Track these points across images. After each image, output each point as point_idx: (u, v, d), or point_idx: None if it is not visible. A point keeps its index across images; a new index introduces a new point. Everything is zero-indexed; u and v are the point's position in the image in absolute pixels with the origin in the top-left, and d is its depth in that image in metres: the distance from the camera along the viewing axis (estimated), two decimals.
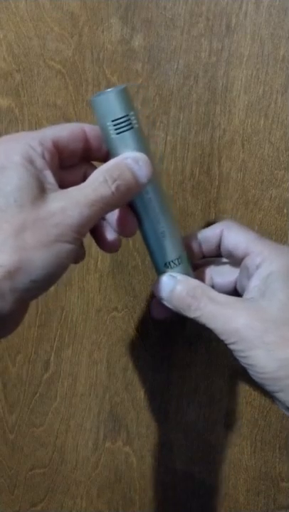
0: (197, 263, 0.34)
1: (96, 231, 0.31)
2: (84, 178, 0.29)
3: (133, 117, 0.27)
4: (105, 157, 0.29)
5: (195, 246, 0.33)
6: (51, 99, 0.40)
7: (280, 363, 0.26)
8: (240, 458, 0.42)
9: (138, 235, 0.40)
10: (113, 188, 0.25)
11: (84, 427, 0.45)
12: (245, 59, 0.36)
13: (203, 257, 0.34)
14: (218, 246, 0.32)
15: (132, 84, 0.28)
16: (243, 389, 0.41)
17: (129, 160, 0.27)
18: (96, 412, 0.45)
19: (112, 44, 0.38)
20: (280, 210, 0.38)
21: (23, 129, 0.41)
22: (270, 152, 0.37)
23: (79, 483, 0.47)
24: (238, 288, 0.32)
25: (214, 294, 0.29)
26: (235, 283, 0.33)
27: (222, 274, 0.33)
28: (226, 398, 0.41)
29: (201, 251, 0.33)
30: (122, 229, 0.30)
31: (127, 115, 0.27)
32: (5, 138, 0.26)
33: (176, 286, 0.30)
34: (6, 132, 0.41)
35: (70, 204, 0.24)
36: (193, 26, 0.36)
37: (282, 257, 0.28)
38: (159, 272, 0.31)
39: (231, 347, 0.27)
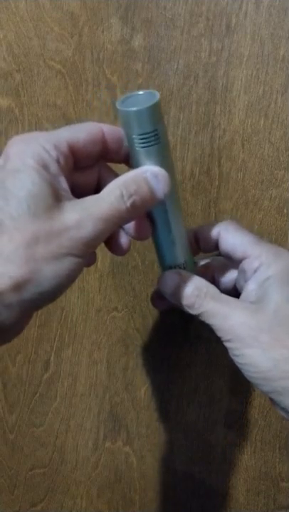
0: (200, 259, 0.34)
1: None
2: (98, 180, 0.29)
3: (161, 132, 0.26)
4: (123, 160, 0.29)
5: (192, 242, 0.33)
6: (51, 99, 0.40)
7: (273, 362, 0.26)
8: (240, 458, 0.42)
9: None
10: (128, 203, 0.25)
11: (84, 427, 0.45)
12: (245, 59, 0.36)
13: (200, 252, 0.34)
14: (216, 245, 0.32)
15: (156, 94, 0.26)
16: (243, 389, 0.41)
17: (148, 174, 0.26)
18: (96, 412, 0.45)
19: (112, 44, 0.38)
20: (280, 210, 0.38)
21: (23, 129, 0.41)
22: (270, 152, 0.37)
23: (79, 483, 0.47)
24: (238, 287, 0.32)
25: (216, 292, 0.29)
26: (235, 282, 0.33)
27: (223, 271, 0.33)
28: (226, 398, 0.41)
29: (198, 248, 0.33)
30: (138, 234, 0.30)
31: (155, 130, 0.26)
32: (18, 139, 0.25)
33: (180, 284, 0.30)
34: (6, 132, 0.41)
35: (85, 218, 0.23)
36: (193, 26, 0.36)
37: (279, 260, 0.29)
38: (164, 269, 0.32)
39: (227, 344, 0.28)
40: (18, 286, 0.22)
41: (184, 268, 0.31)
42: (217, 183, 0.38)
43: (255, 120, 0.37)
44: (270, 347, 0.26)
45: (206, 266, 0.34)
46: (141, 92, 0.27)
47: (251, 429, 0.41)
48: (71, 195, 0.25)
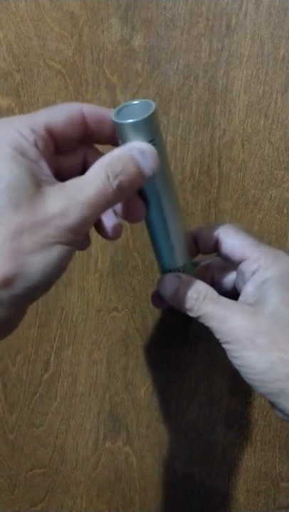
0: (200, 260, 0.34)
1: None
2: (83, 163, 0.28)
3: (158, 143, 0.25)
4: (108, 141, 0.27)
5: (191, 244, 0.33)
6: (51, 99, 0.40)
7: (269, 365, 0.26)
8: (240, 458, 0.42)
9: (140, 234, 0.40)
10: (114, 185, 0.24)
11: (84, 427, 0.45)
12: (245, 59, 0.36)
13: (199, 253, 0.34)
14: (215, 247, 0.32)
15: (152, 103, 0.25)
16: (243, 389, 0.41)
17: (134, 151, 0.25)
18: (96, 412, 0.45)
19: (112, 44, 0.38)
20: (280, 210, 0.38)
21: None
22: (270, 152, 0.37)
23: (79, 483, 0.47)
24: (237, 288, 0.32)
25: (215, 295, 0.29)
26: (234, 283, 0.33)
27: (223, 272, 0.33)
28: (226, 398, 0.41)
29: (197, 249, 0.33)
30: (129, 215, 0.28)
31: (152, 140, 0.25)
32: None
33: (180, 287, 0.30)
34: None
35: (71, 204, 0.22)
36: (193, 26, 0.36)
37: (277, 263, 0.29)
38: (164, 272, 0.32)
39: (225, 346, 0.28)
40: (6, 282, 0.21)
41: (183, 271, 0.31)
42: (217, 183, 0.38)
43: (255, 120, 0.37)
44: (267, 349, 0.26)
45: (205, 267, 0.34)
46: (136, 102, 0.26)
47: (251, 429, 0.41)
48: (54, 180, 0.24)
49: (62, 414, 0.45)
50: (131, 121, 0.25)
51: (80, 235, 0.23)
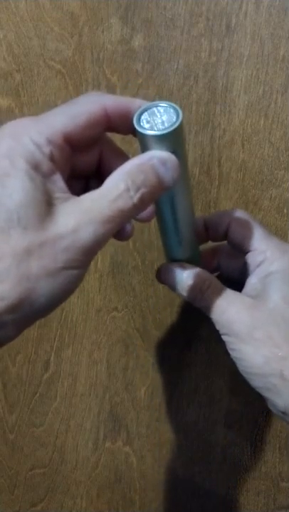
0: (206, 246, 0.34)
1: None
2: (99, 159, 0.26)
3: (179, 154, 0.24)
4: (129, 132, 0.25)
5: (201, 230, 0.33)
6: (51, 99, 0.40)
7: (264, 359, 0.26)
8: (240, 458, 0.42)
9: (140, 234, 0.40)
10: (136, 198, 0.22)
11: (84, 427, 0.45)
12: (245, 59, 0.36)
13: (208, 240, 0.34)
14: (225, 234, 0.31)
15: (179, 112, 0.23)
16: (243, 389, 0.41)
17: (155, 160, 0.23)
18: (96, 412, 0.45)
19: (112, 44, 0.38)
20: (280, 210, 0.38)
21: None
22: (270, 152, 0.37)
23: (79, 483, 0.47)
24: (243, 278, 0.32)
25: (218, 286, 0.29)
26: (240, 270, 0.33)
27: (229, 259, 0.33)
28: (226, 398, 0.41)
29: (207, 235, 0.33)
30: (142, 216, 0.27)
31: (173, 152, 0.23)
32: (6, 132, 0.22)
33: (184, 277, 0.30)
34: None
35: (83, 222, 0.20)
36: (193, 26, 0.36)
37: (283, 258, 0.29)
38: (170, 260, 0.32)
39: (224, 338, 0.28)
40: (12, 308, 0.20)
41: (189, 261, 0.31)
42: (217, 183, 0.38)
43: (255, 120, 0.37)
44: (263, 344, 0.26)
45: (212, 251, 0.34)
46: (162, 105, 0.24)
47: (251, 429, 0.41)
48: (68, 194, 0.22)
49: (62, 414, 0.45)
50: (154, 133, 0.23)
51: (91, 256, 0.21)
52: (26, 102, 0.40)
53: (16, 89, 0.40)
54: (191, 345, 0.41)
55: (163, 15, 0.37)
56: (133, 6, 0.37)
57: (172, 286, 0.31)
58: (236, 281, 0.30)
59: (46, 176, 0.21)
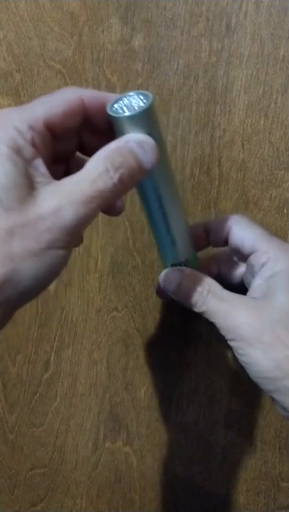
0: (205, 253, 0.34)
1: None
2: (80, 147, 0.27)
3: (156, 137, 0.24)
4: (104, 122, 0.26)
5: (201, 235, 0.32)
6: None
7: (275, 362, 0.26)
8: (240, 458, 0.42)
9: (140, 234, 0.40)
10: (115, 178, 0.22)
11: (84, 427, 0.45)
12: (245, 59, 0.36)
13: (209, 246, 0.33)
14: (226, 239, 0.31)
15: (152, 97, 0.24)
16: (243, 389, 0.41)
17: (132, 143, 0.23)
18: (96, 412, 0.45)
19: (112, 44, 0.38)
20: (280, 210, 0.38)
21: None
22: (270, 152, 0.37)
23: (79, 483, 0.47)
24: (245, 283, 0.32)
25: (219, 289, 0.29)
26: (242, 276, 0.33)
27: (230, 266, 0.33)
28: (226, 398, 0.41)
29: (207, 240, 0.33)
30: (107, 209, 0.27)
31: (150, 134, 0.24)
32: None
33: (183, 282, 0.30)
34: None
35: (64, 203, 0.21)
36: (193, 26, 0.36)
37: (287, 257, 0.28)
38: (166, 266, 0.32)
39: (231, 343, 0.28)
40: None
41: (186, 265, 0.31)
42: (217, 183, 0.38)
43: (255, 120, 0.37)
44: (273, 347, 0.26)
45: (211, 259, 0.34)
46: (132, 93, 0.25)
47: (251, 429, 0.41)
48: (50, 179, 0.22)
49: (62, 414, 0.45)
50: (127, 114, 0.24)
51: (74, 236, 0.22)
52: (26, 102, 0.40)
53: (16, 89, 0.40)
54: (191, 345, 0.41)
55: (163, 15, 0.37)
56: (133, 6, 0.37)
57: (171, 291, 0.30)
58: (237, 289, 0.30)
59: (28, 161, 0.22)
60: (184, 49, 0.37)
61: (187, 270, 0.30)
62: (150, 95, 0.24)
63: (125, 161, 0.23)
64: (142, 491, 0.45)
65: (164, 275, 0.31)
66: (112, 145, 0.23)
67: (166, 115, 0.38)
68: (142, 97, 0.25)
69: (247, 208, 0.38)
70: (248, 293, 0.29)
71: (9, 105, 0.41)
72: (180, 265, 0.31)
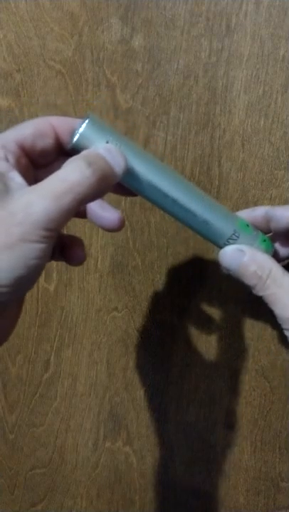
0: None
1: (90, 209, 0.29)
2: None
3: (113, 141, 0.26)
4: None
5: (262, 221, 0.32)
6: (51, 99, 0.40)
7: None
8: (240, 458, 0.42)
9: (140, 235, 0.40)
10: (88, 173, 0.23)
11: (84, 427, 0.45)
12: (245, 59, 0.36)
13: (270, 232, 0.33)
14: (287, 226, 0.31)
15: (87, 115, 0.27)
16: (243, 389, 0.41)
17: (101, 150, 0.25)
18: (96, 412, 0.45)
19: (112, 44, 0.38)
20: None
21: None
22: (270, 152, 0.37)
23: (79, 483, 0.47)
24: None
25: (280, 275, 0.28)
26: None
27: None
28: (226, 398, 0.41)
29: (268, 227, 0.32)
30: (109, 224, 0.28)
31: (106, 143, 0.26)
32: None
33: (243, 262, 0.29)
34: None
35: (35, 199, 0.22)
36: (193, 26, 0.36)
37: None
38: (220, 247, 0.30)
39: (286, 333, 0.27)
40: None
41: (238, 237, 0.29)
42: (217, 183, 0.38)
43: (255, 120, 0.37)
44: None
45: (281, 239, 0.33)
46: (78, 122, 0.27)
47: (251, 429, 0.41)
48: (26, 186, 0.24)
49: (63, 414, 0.45)
50: (74, 138, 0.26)
51: (49, 231, 0.22)
52: (26, 102, 0.40)
53: (16, 89, 0.40)
54: (191, 345, 0.41)
55: (163, 15, 0.37)
56: (133, 6, 0.37)
57: (231, 272, 0.29)
58: None
59: (2, 173, 0.23)
60: (184, 49, 0.37)
61: (247, 249, 0.29)
62: (90, 113, 0.27)
63: (97, 161, 0.24)
64: (142, 491, 0.45)
65: (225, 254, 0.29)
66: (83, 151, 0.25)
67: (166, 115, 0.38)
68: (85, 120, 0.26)
69: (247, 207, 0.38)
70: None
71: (9, 105, 0.41)
72: (231, 240, 0.29)
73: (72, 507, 0.48)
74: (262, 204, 0.38)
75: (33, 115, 0.40)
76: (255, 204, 0.38)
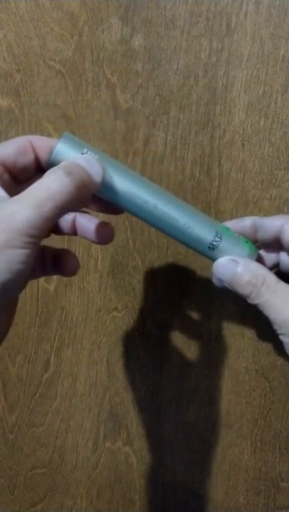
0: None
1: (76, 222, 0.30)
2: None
3: (91, 150, 0.27)
4: None
5: (249, 231, 0.32)
6: (51, 99, 0.40)
7: None
8: (240, 458, 0.42)
9: (140, 235, 0.40)
10: (66, 181, 0.24)
11: (84, 427, 0.45)
12: (245, 59, 0.36)
13: (256, 242, 0.33)
14: (275, 237, 0.31)
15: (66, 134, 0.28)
16: (243, 389, 0.41)
17: (79, 160, 0.26)
18: (96, 412, 0.45)
19: (112, 44, 0.38)
20: (280, 210, 0.38)
21: (23, 129, 0.41)
22: (270, 152, 0.37)
23: (79, 483, 0.47)
24: None
25: (273, 281, 0.28)
26: None
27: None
28: (226, 398, 0.41)
29: (255, 237, 0.32)
30: (98, 238, 0.29)
31: (83, 153, 0.27)
32: None
33: (236, 272, 0.29)
34: (6, 132, 0.41)
35: (17, 208, 0.23)
36: (193, 26, 0.36)
37: None
38: (207, 255, 0.31)
39: (281, 338, 0.28)
40: None
41: (221, 239, 0.30)
42: (217, 183, 0.38)
43: (255, 120, 0.37)
44: None
45: (272, 246, 0.33)
46: (57, 144, 0.28)
47: (251, 429, 0.41)
48: (9, 198, 0.25)
49: (63, 414, 0.45)
50: (52, 154, 0.27)
51: (32, 237, 0.23)
52: (26, 102, 0.40)
53: (16, 89, 0.40)
54: (191, 345, 0.41)
55: (163, 15, 0.37)
56: (133, 6, 0.37)
57: (225, 282, 0.30)
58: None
59: None
60: (184, 49, 0.37)
61: (240, 260, 0.29)
62: (64, 132, 0.28)
63: (75, 170, 0.25)
64: (142, 491, 0.45)
65: (218, 265, 0.30)
66: (62, 162, 0.26)
67: (166, 115, 0.38)
68: (60, 139, 0.28)
69: (247, 207, 0.38)
70: None
71: (9, 105, 0.41)
72: (215, 242, 0.30)
73: (72, 507, 0.48)
74: (262, 204, 0.38)
75: (33, 115, 0.40)
76: (255, 204, 0.38)
